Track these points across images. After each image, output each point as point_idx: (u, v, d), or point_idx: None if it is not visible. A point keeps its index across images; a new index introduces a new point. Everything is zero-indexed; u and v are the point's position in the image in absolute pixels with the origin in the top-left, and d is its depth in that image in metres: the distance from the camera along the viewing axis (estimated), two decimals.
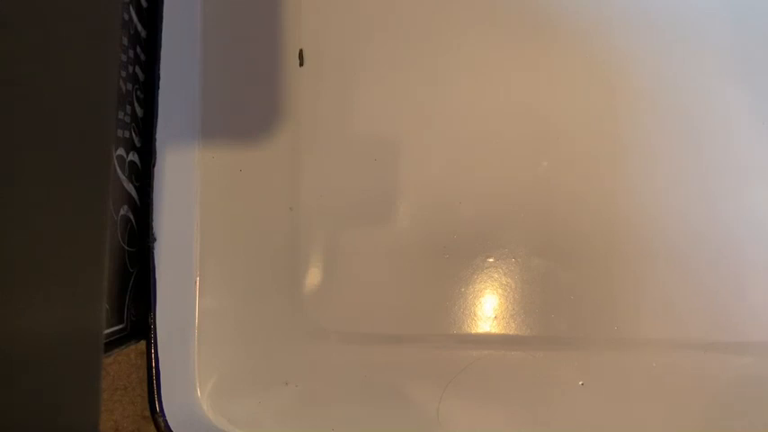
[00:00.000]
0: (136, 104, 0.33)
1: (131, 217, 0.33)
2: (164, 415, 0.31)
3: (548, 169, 0.35)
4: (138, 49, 0.34)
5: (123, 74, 0.32)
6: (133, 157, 0.33)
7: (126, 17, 0.32)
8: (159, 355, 0.32)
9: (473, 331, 0.35)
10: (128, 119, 0.32)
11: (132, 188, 0.33)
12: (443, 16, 0.36)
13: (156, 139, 0.33)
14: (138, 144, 0.33)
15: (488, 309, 0.35)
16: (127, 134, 0.32)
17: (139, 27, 0.34)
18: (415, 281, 0.35)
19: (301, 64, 0.36)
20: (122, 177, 0.32)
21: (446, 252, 0.35)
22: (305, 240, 0.35)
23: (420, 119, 0.35)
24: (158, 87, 0.33)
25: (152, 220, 0.32)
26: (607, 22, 0.35)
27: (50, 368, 0.19)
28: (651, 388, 0.34)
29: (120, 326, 0.32)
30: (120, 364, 0.34)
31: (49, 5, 0.18)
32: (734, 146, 0.35)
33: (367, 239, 0.35)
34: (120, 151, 0.32)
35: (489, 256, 0.35)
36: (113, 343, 0.31)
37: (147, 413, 0.32)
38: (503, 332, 0.35)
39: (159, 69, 0.33)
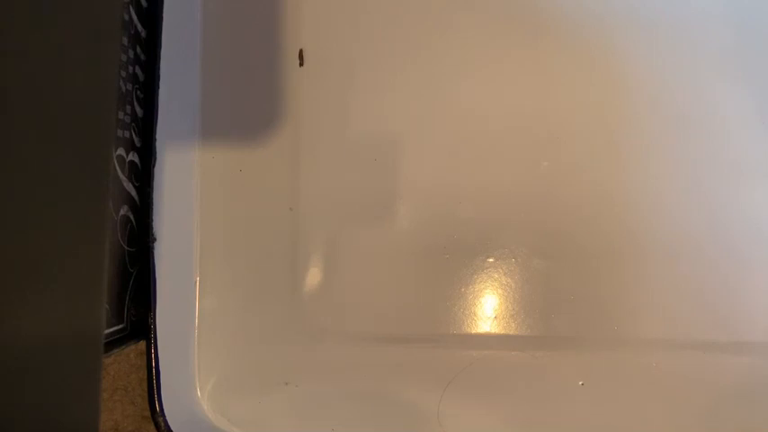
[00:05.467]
0: (136, 104, 0.33)
1: (131, 217, 0.33)
2: (164, 415, 0.31)
3: (548, 169, 0.35)
4: (138, 49, 0.34)
5: (123, 74, 0.32)
6: (133, 157, 0.33)
7: (126, 17, 0.32)
8: (159, 355, 0.32)
9: (473, 331, 0.35)
10: (128, 119, 0.32)
11: (132, 188, 0.33)
12: (444, 16, 0.36)
13: (156, 139, 0.33)
14: (138, 144, 0.33)
15: (488, 309, 0.35)
16: (127, 134, 0.32)
17: (139, 27, 0.34)
18: (415, 281, 0.35)
19: (301, 64, 0.36)
20: (122, 177, 0.32)
21: (446, 252, 0.35)
22: (305, 240, 0.35)
23: (420, 119, 0.35)
24: (158, 87, 0.33)
25: (152, 220, 0.32)
26: (607, 23, 0.35)
27: (50, 368, 0.19)
28: (651, 388, 0.34)
29: (120, 326, 0.32)
30: (120, 364, 0.34)
31: (49, 5, 0.18)
32: (734, 146, 0.35)
33: (367, 239, 0.35)
34: (120, 151, 0.32)
35: (489, 256, 0.35)
36: (113, 343, 0.31)
37: (147, 413, 0.32)
38: (503, 332, 0.35)
39: (159, 69, 0.33)
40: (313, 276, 0.35)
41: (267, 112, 0.35)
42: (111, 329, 0.31)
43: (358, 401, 0.34)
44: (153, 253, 0.32)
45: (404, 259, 0.35)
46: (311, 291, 0.35)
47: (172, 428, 0.31)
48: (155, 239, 0.32)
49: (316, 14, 0.36)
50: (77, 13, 0.19)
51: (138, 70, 0.34)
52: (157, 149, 0.33)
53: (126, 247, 0.32)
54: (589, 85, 0.35)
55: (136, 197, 0.33)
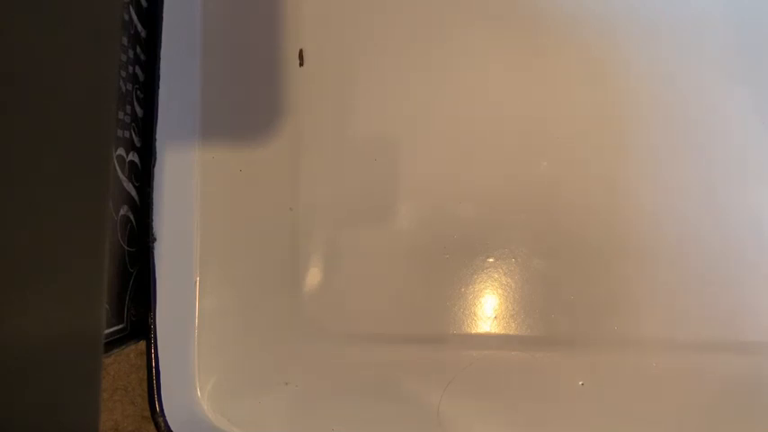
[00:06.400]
0: (136, 104, 0.33)
1: (131, 217, 0.33)
2: (164, 415, 0.31)
3: (548, 169, 0.35)
4: (138, 49, 0.34)
5: (123, 74, 0.32)
6: (133, 157, 0.33)
7: (126, 17, 0.32)
8: (159, 355, 0.32)
9: (473, 331, 0.35)
10: (128, 119, 0.32)
11: (132, 188, 0.33)
12: (444, 16, 0.36)
13: (156, 139, 0.33)
14: (138, 144, 0.33)
15: (488, 309, 0.35)
16: (127, 134, 0.32)
17: (139, 27, 0.34)
18: (415, 281, 0.35)
19: (301, 64, 0.36)
20: (122, 177, 0.32)
21: (446, 252, 0.35)
22: (305, 240, 0.35)
23: (420, 119, 0.35)
24: (158, 87, 0.33)
25: (152, 220, 0.32)
26: (608, 23, 0.35)
27: (50, 368, 0.19)
28: (651, 388, 0.34)
29: (120, 326, 0.32)
30: (120, 364, 0.34)
31: (49, 5, 0.18)
32: (734, 146, 0.35)
33: (367, 239, 0.35)
34: (120, 151, 0.32)
35: (489, 256, 0.35)
36: (113, 343, 0.31)
37: (147, 413, 0.32)
38: (503, 332, 0.35)
39: (159, 69, 0.33)
40: (313, 276, 0.35)
41: (267, 112, 0.35)
42: (111, 329, 0.31)
43: (358, 401, 0.34)
44: (153, 253, 0.32)
45: (404, 259, 0.35)
46: (311, 291, 0.35)
47: (172, 428, 0.31)
48: (155, 239, 0.32)
49: (316, 14, 0.36)
50: (77, 13, 0.19)
51: (138, 70, 0.34)
52: (157, 149, 0.33)
53: (126, 247, 0.32)
54: (589, 84, 0.35)
55: (136, 197, 0.33)
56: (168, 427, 0.31)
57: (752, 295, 0.34)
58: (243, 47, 0.35)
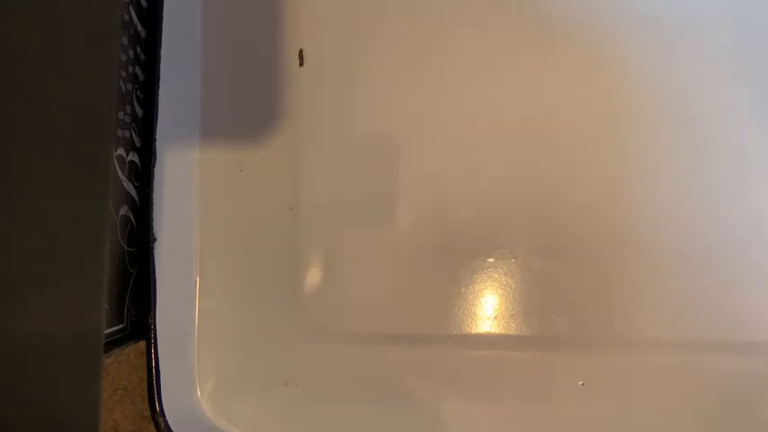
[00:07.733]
0: (136, 104, 0.33)
1: (131, 217, 0.33)
2: (164, 415, 0.31)
3: (547, 169, 0.35)
4: (138, 49, 0.34)
5: (123, 74, 0.32)
6: (133, 157, 0.33)
7: (126, 17, 0.32)
8: (159, 355, 0.32)
9: (473, 331, 0.35)
10: (128, 119, 0.32)
11: (132, 188, 0.33)
12: (444, 16, 0.36)
13: (156, 139, 0.33)
14: (138, 144, 0.33)
15: (488, 309, 0.35)
16: (127, 134, 0.32)
17: (139, 27, 0.34)
18: (415, 281, 0.35)
19: (301, 64, 0.36)
20: (122, 177, 0.32)
21: (446, 252, 0.35)
22: (305, 240, 0.35)
23: (420, 119, 0.35)
24: (158, 87, 0.33)
25: (152, 220, 0.32)
26: (608, 23, 0.35)
27: (50, 368, 0.19)
28: (651, 388, 0.34)
29: (120, 326, 0.32)
30: (120, 364, 0.34)
31: (49, 5, 0.18)
32: (734, 146, 0.35)
33: (367, 239, 0.35)
34: (120, 151, 0.32)
35: (489, 256, 0.35)
36: (113, 343, 0.31)
37: (147, 413, 0.32)
38: (503, 332, 0.35)
39: (159, 69, 0.33)
40: (313, 276, 0.35)
41: (267, 112, 0.35)
42: (111, 329, 0.31)
43: (358, 401, 0.34)
44: (153, 253, 0.32)
45: (404, 259, 0.35)
46: (311, 290, 0.35)
47: (172, 428, 0.31)
48: (155, 239, 0.32)
49: (316, 14, 0.36)
50: (77, 13, 0.19)
51: (138, 70, 0.34)
52: (157, 149, 0.33)
53: (126, 247, 0.32)
54: (590, 84, 0.35)
55: (136, 197, 0.33)
56: (168, 427, 0.31)
57: (752, 295, 0.34)
58: (243, 47, 0.35)
